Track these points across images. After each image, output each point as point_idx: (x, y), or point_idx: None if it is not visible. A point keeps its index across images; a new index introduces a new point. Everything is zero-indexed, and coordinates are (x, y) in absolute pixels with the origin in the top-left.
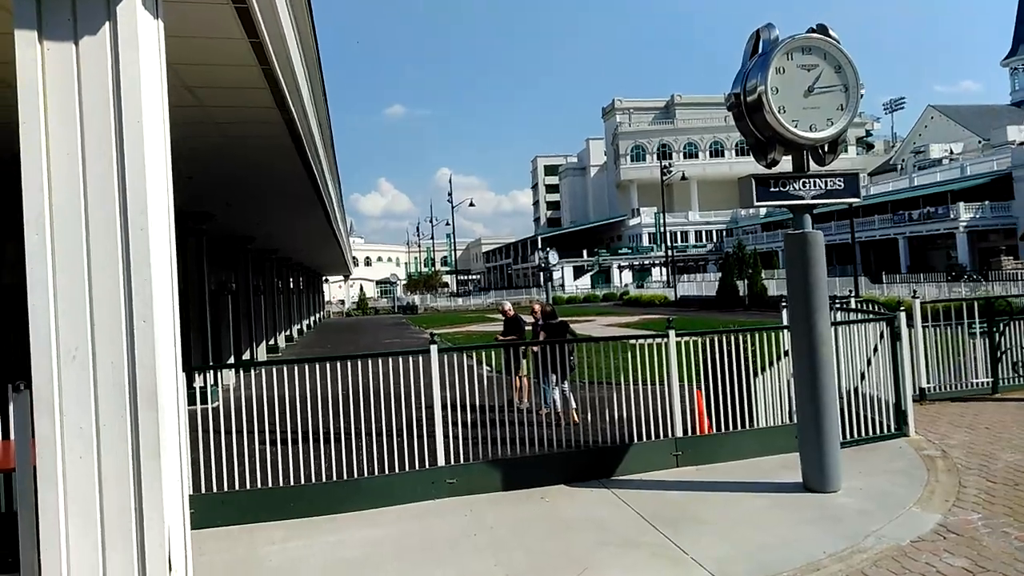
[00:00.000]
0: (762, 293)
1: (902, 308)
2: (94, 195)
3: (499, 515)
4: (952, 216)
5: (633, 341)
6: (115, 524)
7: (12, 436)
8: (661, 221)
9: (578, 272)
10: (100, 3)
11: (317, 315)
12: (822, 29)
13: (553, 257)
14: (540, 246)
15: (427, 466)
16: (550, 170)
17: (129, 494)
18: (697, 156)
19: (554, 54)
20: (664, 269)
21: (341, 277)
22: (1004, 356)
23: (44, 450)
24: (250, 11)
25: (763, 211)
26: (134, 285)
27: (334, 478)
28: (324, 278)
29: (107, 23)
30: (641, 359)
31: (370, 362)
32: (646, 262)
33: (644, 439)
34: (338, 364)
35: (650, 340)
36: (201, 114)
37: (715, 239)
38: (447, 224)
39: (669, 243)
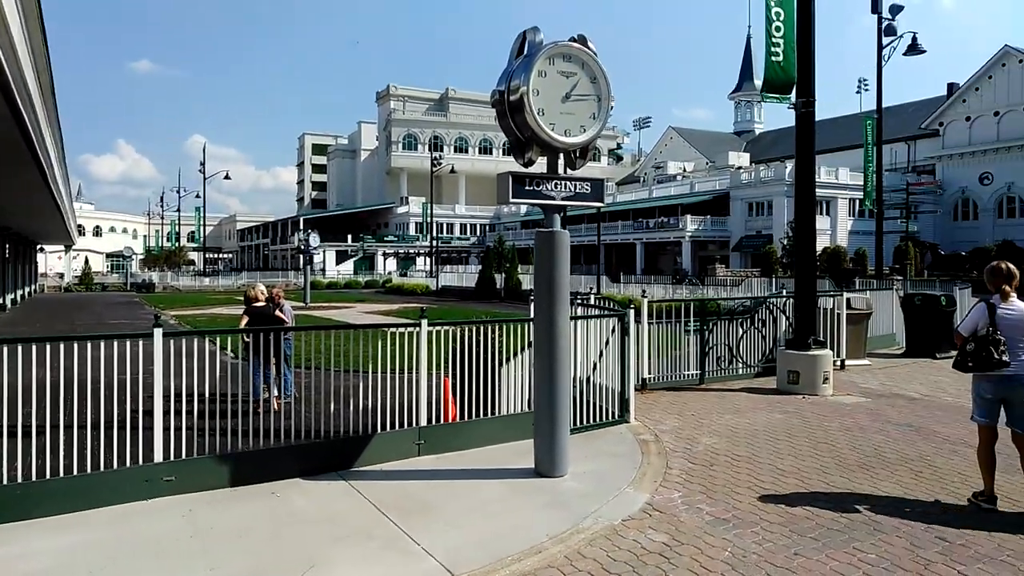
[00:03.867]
0: (517, 287)
1: (632, 306)
2: None
3: (222, 514)
4: (680, 226)
5: (386, 329)
6: None
7: None
8: (428, 211)
9: (341, 257)
10: None
11: (27, 288)
12: (582, 40)
13: (314, 239)
14: (302, 227)
15: (140, 462)
16: (318, 149)
17: None
18: (467, 151)
19: (331, 29)
20: (428, 259)
21: (62, 247)
22: (711, 351)
23: None
24: None
25: (524, 209)
26: None
27: (19, 479)
28: (39, 247)
29: None
30: (392, 347)
31: (75, 345)
32: (411, 251)
33: (388, 428)
34: (33, 347)
35: (402, 329)
36: None
37: (479, 233)
38: (197, 196)
39: (435, 233)
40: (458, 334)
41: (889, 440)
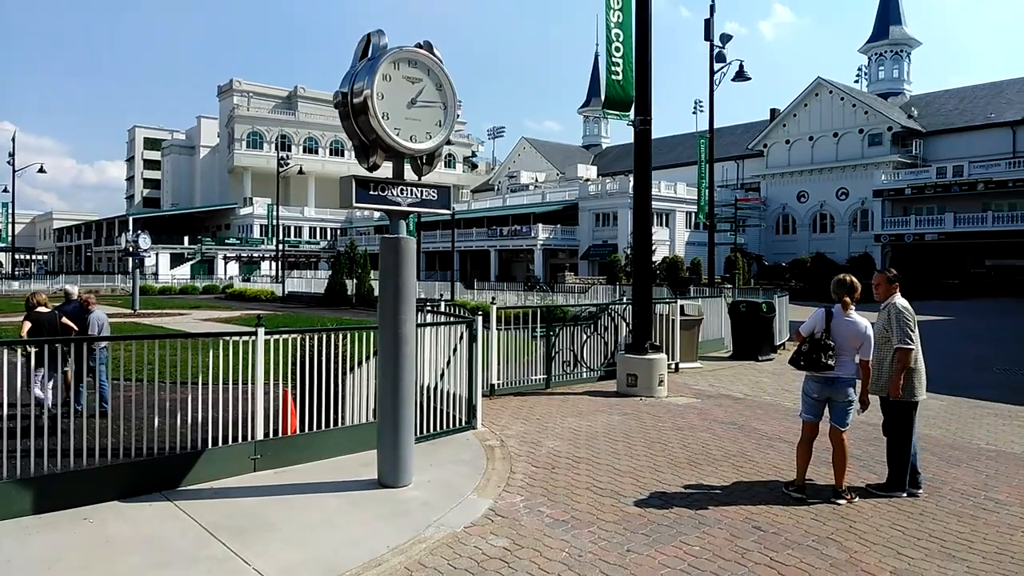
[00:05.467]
0: (369, 293)
1: (480, 312)
2: None
3: (23, 545)
4: (533, 235)
5: (218, 338)
6: None
7: None
8: (274, 213)
9: (176, 260)
10: None
11: None
12: (428, 46)
13: (145, 241)
14: (131, 227)
15: None
16: (152, 144)
17: None
18: (317, 152)
19: (169, 10)
20: (274, 263)
21: None
22: (556, 356)
23: None
24: None
25: (376, 215)
26: None
27: None
28: None
29: None
30: (225, 357)
31: None
32: (255, 255)
33: (220, 444)
34: None
35: (236, 337)
36: None
37: (330, 237)
38: (4, 190)
39: (281, 237)
40: (299, 343)
41: (715, 438)
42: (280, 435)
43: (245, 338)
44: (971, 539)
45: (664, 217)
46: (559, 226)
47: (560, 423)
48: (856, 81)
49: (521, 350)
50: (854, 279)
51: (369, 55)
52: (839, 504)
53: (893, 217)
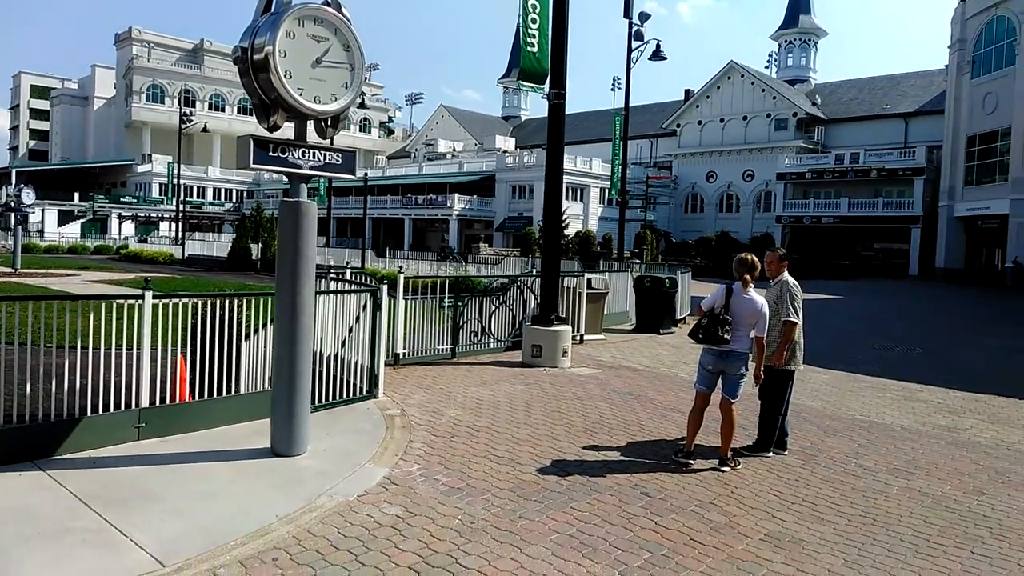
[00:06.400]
0: (274, 259)
1: (386, 281)
2: None
3: None
4: (449, 205)
5: (101, 301)
6: None
7: None
8: (175, 172)
9: (65, 218)
10: None
11: None
12: (336, 4)
13: (28, 196)
14: (13, 180)
15: None
16: (40, 92)
17: None
18: (224, 110)
19: None
20: (175, 224)
21: None
22: (464, 326)
23: None
24: None
25: (286, 178)
26: None
27: None
28: None
29: None
30: (108, 321)
31: None
32: (153, 215)
33: (101, 411)
34: None
35: (121, 300)
36: None
37: (236, 199)
38: None
39: (183, 197)
40: (194, 307)
41: (613, 407)
42: (169, 403)
43: (131, 301)
44: (840, 503)
45: (579, 192)
46: (476, 197)
47: (463, 392)
48: (767, 67)
49: (428, 320)
50: (755, 259)
51: (272, 9)
52: (724, 471)
53: (794, 200)
